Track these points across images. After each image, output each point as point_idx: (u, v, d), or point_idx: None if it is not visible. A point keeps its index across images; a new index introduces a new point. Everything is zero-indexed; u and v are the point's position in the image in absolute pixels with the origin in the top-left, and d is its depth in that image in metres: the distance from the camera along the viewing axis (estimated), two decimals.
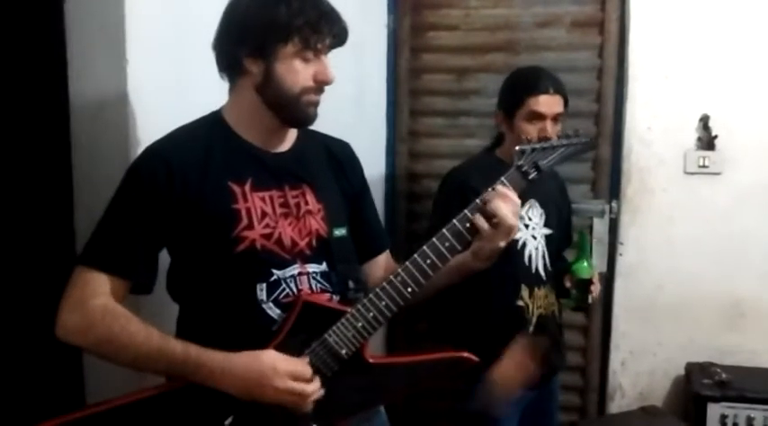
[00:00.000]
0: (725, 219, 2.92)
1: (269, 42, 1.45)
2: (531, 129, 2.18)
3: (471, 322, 2.28)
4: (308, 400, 1.43)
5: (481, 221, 1.50)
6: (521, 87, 2.24)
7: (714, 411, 2.69)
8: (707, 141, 2.90)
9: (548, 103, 2.20)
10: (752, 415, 2.67)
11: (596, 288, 2.31)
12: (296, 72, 1.46)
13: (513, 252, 2.24)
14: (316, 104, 1.52)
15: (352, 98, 2.92)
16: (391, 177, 3.17)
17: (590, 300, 2.28)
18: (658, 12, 2.90)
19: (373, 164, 3.07)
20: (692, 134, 2.92)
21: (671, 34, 2.90)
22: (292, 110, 1.49)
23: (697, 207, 2.94)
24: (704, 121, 2.90)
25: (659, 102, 2.93)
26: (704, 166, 2.92)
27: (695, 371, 2.87)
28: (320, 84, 1.49)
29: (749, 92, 2.87)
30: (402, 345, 3.16)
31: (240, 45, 1.47)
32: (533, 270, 2.30)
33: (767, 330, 2.95)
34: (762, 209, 2.89)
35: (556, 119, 2.22)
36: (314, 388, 1.43)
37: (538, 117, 2.20)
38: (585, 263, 2.25)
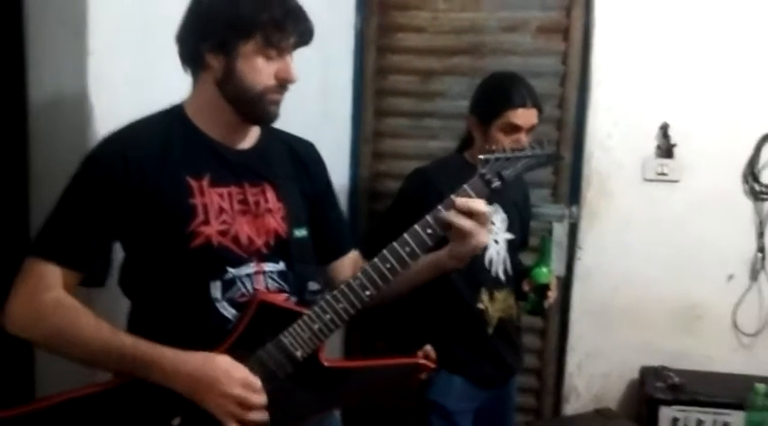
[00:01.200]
0: (681, 226, 2.97)
1: (231, 38, 1.43)
2: (506, 140, 2.19)
3: (431, 323, 2.29)
4: (251, 414, 1.40)
5: (456, 217, 1.48)
6: (500, 98, 2.23)
7: (666, 414, 2.73)
8: (666, 149, 2.95)
9: (525, 116, 2.21)
10: (702, 419, 2.71)
11: (553, 294, 2.33)
12: (258, 70, 1.45)
13: (475, 256, 2.25)
14: (277, 103, 1.50)
15: (316, 97, 2.90)
16: (354, 177, 3.17)
17: (546, 305, 2.30)
18: (623, 20, 2.94)
19: (337, 164, 3.06)
20: (651, 141, 2.97)
21: (634, 42, 2.94)
22: (253, 108, 1.48)
23: (654, 213, 2.99)
24: (664, 129, 2.94)
25: (621, 109, 2.97)
26: (662, 174, 2.97)
27: (649, 374, 2.91)
28: (282, 83, 1.48)
29: (709, 101, 2.92)
30: (360, 349, 3.16)
31: (202, 39, 1.45)
32: (494, 274, 2.32)
33: (720, 335, 3.01)
34: (717, 217, 2.95)
35: (530, 130, 2.24)
36: (260, 401, 1.41)
37: (514, 129, 2.21)
38: (545, 269, 2.27)
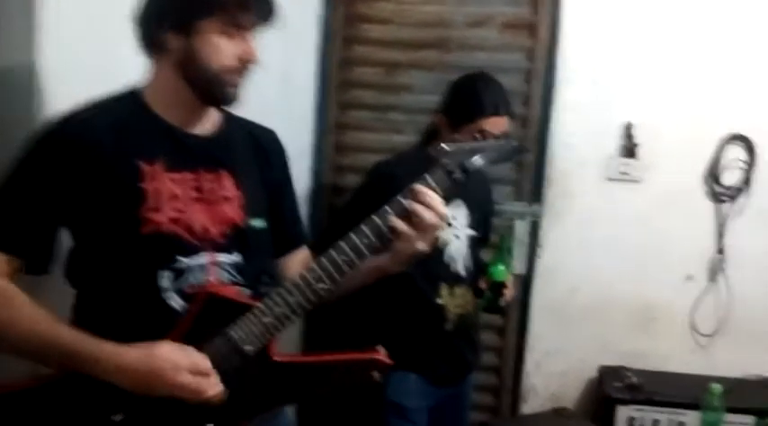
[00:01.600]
0: (642, 226, 2.98)
1: (192, 16, 1.38)
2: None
3: (389, 318, 2.27)
4: (206, 395, 1.36)
5: (400, 222, 1.44)
6: (474, 105, 2.21)
7: (623, 413, 2.74)
8: (629, 149, 2.96)
9: (497, 124, 2.20)
10: (658, 418, 2.73)
11: (510, 293, 2.32)
12: (219, 50, 1.40)
13: (436, 250, 2.23)
14: (238, 85, 1.45)
15: (279, 86, 2.85)
16: (317, 170, 3.12)
17: (502, 303, 2.29)
18: (590, 18, 2.93)
19: (298, 156, 3.01)
20: (615, 141, 2.97)
21: (601, 41, 2.94)
22: (213, 89, 1.43)
23: (616, 213, 2.99)
24: (628, 129, 2.95)
25: (585, 108, 2.96)
26: (625, 173, 2.98)
27: (607, 374, 2.93)
28: (244, 64, 1.43)
29: (673, 102, 2.93)
30: (320, 345, 3.11)
31: (161, 19, 1.40)
32: (453, 269, 2.30)
33: (677, 335, 3.03)
34: (677, 218, 2.96)
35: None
36: (213, 383, 1.36)
37: (484, 135, 2.19)
38: (502, 267, 2.26)
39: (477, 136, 2.18)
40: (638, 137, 2.94)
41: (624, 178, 2.98)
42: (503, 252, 2.28)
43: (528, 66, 2.99)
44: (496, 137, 1.62)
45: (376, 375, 1.46)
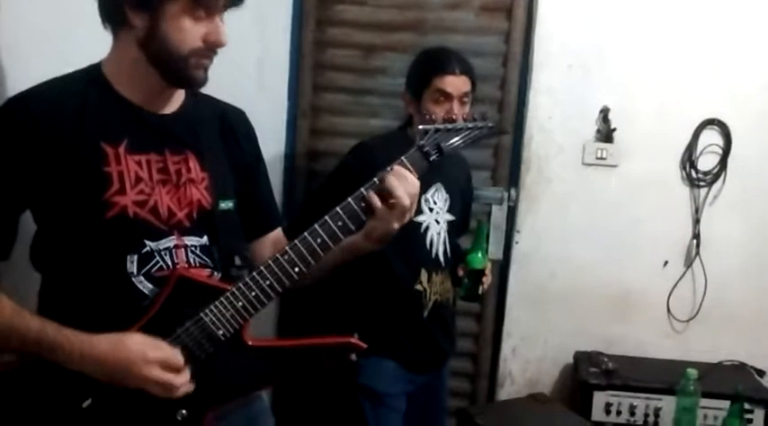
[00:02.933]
0: (618, 211, 2.97)
1: None
2: (438, 110, 2.15)
3: (367, 304, 2.24)
4: (177, 393, 1.33)
5: (376, 200, 1.43)
6: (427, 67, 2.22)
7: (600, 399, 2.74)
8: (605, 133, 2.94)
9: (454, 84, 2.18)
10: (634, 403, 2.73)
11: (488, 280, 2.30)
12: (184, 31, 1.33)
13: (416, 235, 2.20)
14: (205, 68, 1.40)
15: (252, 69, 2.80)
16: (291, 154, 3.07)
17: (481, 291, 2.27)
18: (567, 2, 2.90)
19: (272, 140, 2.97)
20: (591, 125, 2.95)
21: (578, 24, 2.91)
22: (178, 71, 1.37)
23: (592, 198, 2.98)
24: (604, 113, 2.93)
25: (562, 92, 2.94)
26: (602, 158, 2.96)
27: (583, 359, 2.92)
28: (211, 47, 1.37)
29: (649, 86, 2.91)
30: (295, 330, 3.07)
31: None
32: (433, 255, 2.28)
33: (653, 321, 3.03)
34: (653, 203, 2.96)
35: (462, 100, 2.20)
36: (184, 380, 1.34)
37: (445, 97, 2.18)
38: (480, 254, 2.24)
39: (438, 96, 2.17)
40: (615, 121, 2.92)
41: (601, 163, 2.96)
42: (480, 240, 2.26)
43: (504, 49, 2.96)
44: (473, 117, 1.60)
45: (353, 356, 1.42)
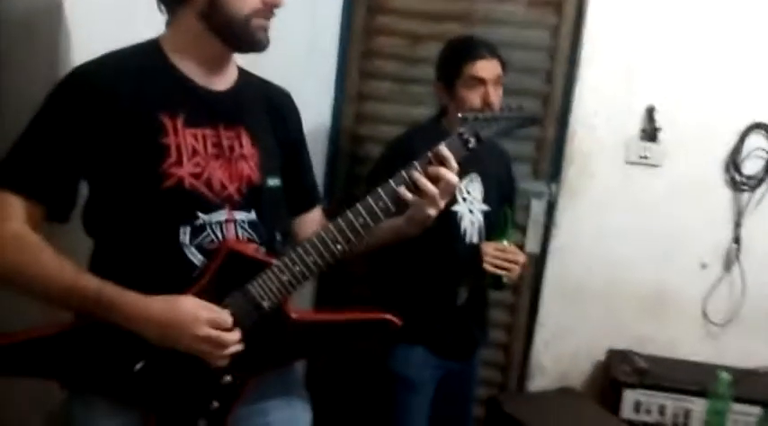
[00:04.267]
0: (659, 211, 2.96)
1: None
2: (474, 96, 2.18)
3: (401, 289, 2.27)
4: (227, 350, 1.38)
5: (423, 180, 1.47)
6: (457, 56, 2.23)
7: (630, 397, 2.74)
8: (650, 133, 2.92)
9: (486, 68, 2.19)
10: (665, 403, 2.72)
11: (515, 269, 2.19)
12: None
13: (450, 224, 2.22)
14: (265, 29, 1.45)
15: (301, 54, 2.84)
16: (335, 138, 3.11)
17: (505, 280, 2.21)
18: None
19: (318, 124, 3.01)
20: (636, 124, 2.94)
21: (628, 21, 2.89)
22: (241, 34, 1.42)
23: (633, 196, 2.97)
24: (650, 113, 2.92)
25: (608, 89, 2.93)
26: (645, 157, 2.94)
27: (615, 357, 2.92)
28: (269, 7, 1.43)
29: (697, 87, 2.89)
30: (331, 306, 3.12)
31: None
32: (468, 244, 2.29)
33: (688, 322, 3.02)
34: (694, 205, 2.94)
35: (497, 83, 2.21)
36: (234, 338, 1.38)
37: (478, 82, 2.19)
38: (505, 242, 2.22)
39: (472, 83, 2.18)
40: (660, 121, 2.91)
41: (643, 162, 2.95)
42: (504, 228, 2.24)
43: (552, 43, 2.96)
44: (509, 106, 1.63)
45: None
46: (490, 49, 2.22)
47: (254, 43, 1.44)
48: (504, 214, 2.27)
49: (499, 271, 2.16)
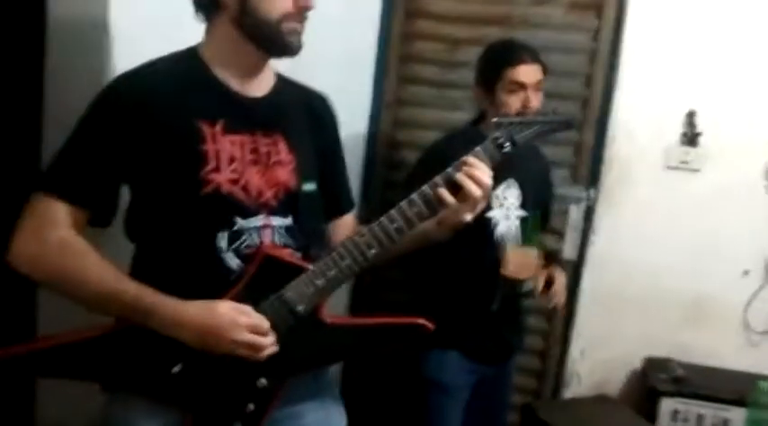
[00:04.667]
0: (699, 217, 2.92)
1: None
2: (514, 101, 2.16)
3: (437, 295, 2.27)
4: (264, 353, 1.40)
5: (467, 182, 1.48)
6: (497, 60, 2.22)
7: (667, 405, 2.71)
8: (691, 137, 2.89)
9: (526, 73, 2.18)
10: (702, 413, 2.69)
11: (536, 275, 2.20)
12: None
13: (485, 230, 2.22)
14: (298, 33, 1.46)
15: (339, 58, 2.85)
16: (372, 143, 3.12)
17: (525, 287, 2.20)
18: (657, 1, 2.86)
19: (355, 128, 3.02)
20: (677, 128, 2.90)
21: (668, 25, 2.86)
22: (273, 38, 1.44)
23: (673, 202, 2.93)
24: (690, 117, 2.88)
25: (648, 93, 2.90)
26: (685, 162, 2.91)
27: (653, 365, 2.89)
28: (300, 10, 1.44)
29: (738, 92, 2.85)
30: (365, 311, 3.13)
31: None
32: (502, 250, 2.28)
33: (728, 331, 2.97)
34: (735, 211, 2.89)
35: (537, 88, 2.20)
36: (270, 342, 1.41)
37: (519, 87, 2.18)
38: (529, 249, 2.19)
39: (513, 87, 2.16)
40: (701, 125, 2.87)
41: (684, 167, 2.91)
42: (531, 234, 2.21)
43: (592, 46, 2.94)
44: (544, 111, 1.64)
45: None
46: (531, 54, 2.21)
47: (287, 47, 1.46)
48: (529, 219, 2.26)
49: (518, 276, 2.15)
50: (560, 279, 2.35)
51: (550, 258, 2.44)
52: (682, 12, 2.85)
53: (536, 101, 2.18)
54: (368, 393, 3.00)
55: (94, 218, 1.44)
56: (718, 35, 2.84)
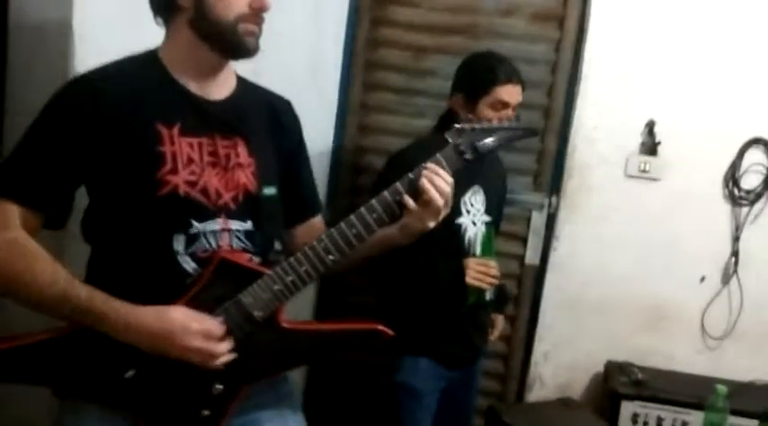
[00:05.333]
0: (657, 224, 2.98)
1: None
2: (494, 116, 2.19)
3: (406, 301, 2.29)
4: (217, 361, 1.40)
5: (408, 197, 1.49)
6: (488, 75, 2.24)
7: (628, 409, 2.76)
8: (650, 146, 2.95)
9: (512, 93, 2.24)
10: (662, 416, 2.74)
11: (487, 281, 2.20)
12: None
13: (455, 236, 2.24)
14: (254, 34, 1.46)
15: (305, 65, 2.87)
16: (337, 149, 3.14)
17: (487, 296, 2.26)
18: (618, 13, 2.92)
19: (321, 135, 3.04)
20: (636, 138, 2.96)
21: (628, 37, 2.92)
22: (229, 39, 1.44)
23: (633, 209, 2.99)
24: (650, 127, 2.94)
25: (609, 103, 2.96)
26: (645, 171, 2.97)
27: (614, 369, 2.94)
28: (256, 11, 1.44)
29: (697, 102, 2.92)
30: (331, 315, 3.14)
31: None
32: (471, 256, 2.31)
33: (686, 335, 3.03)
34: (693, 218, 2.96)
35: (515, 107, 2.26)
36: (224, 349, 1.40)
37: (503, 106, 2.22)
38: (487, 258, 2.24)
39: (498, 105, 2.21)
40: (660, 135, 2.93)
41: (643, 176, 2.97)
42: (489, 244, 2.26)
43: (554, 57, 2.99)
44: (509, 118, 1.66)
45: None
46: (518, 75, 2.26)
47: (243, 48, 1.46)
48: (484, 232, 2.29)
49: (481, 285, 2.19)
50: (500, 324, 2.58)
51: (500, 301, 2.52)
52: (642, 23, 2.91)
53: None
54: (333, 399, 3.01)
55: (48, 221, 1.42)
56: (677, 46, 2.91)
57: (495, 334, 2.63)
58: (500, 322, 2.64)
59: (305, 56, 2.84)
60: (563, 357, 3.11)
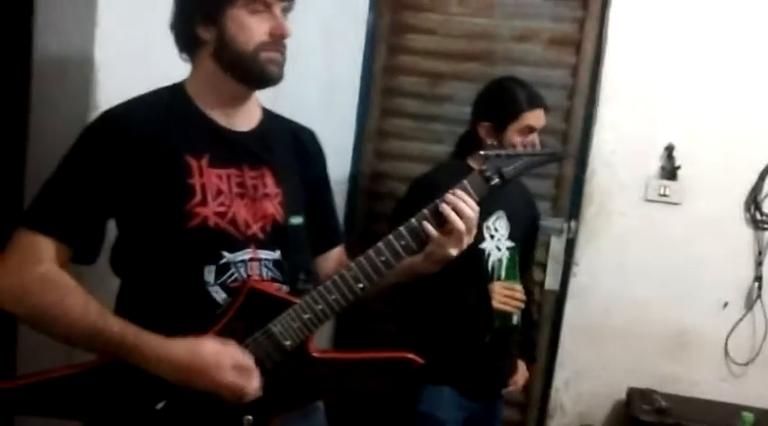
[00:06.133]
0: (678, 249, 2.95)
1: (217, 5, 1.41)
2: (521, 142, 2.21)
3: (429, 329, 2.27)
4: (248, 397, 1.38)
5: (452, 215, 1.48)
6: (515, 102, 2.24)
7: None
8: (670, 171, 2.93)
9: (539, 117, 2.26)
10: None
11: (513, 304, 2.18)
12: (247, 28, 1.42)
13: (479, 262, 2.23)
14: (277, 62, 1.46)
15: (322, 91, 2.88)
16: (355, 175, 3.15)
17: (515, 321, 2.20)
18: (635, 37, 2.93)
19: (338, 161, 3.04)
20: (655, 162, 2.95)
21: (646, 61, 2.92)
22: (251, 68, 1.44)
23: (653, 234, 2.97)
24: (669, 151, 2.93)
25: (627, 127, 2.95)
26: (664, 195, 2.95)
27: (636, 396, 2.89)
28: (276, 39, 1.44)
29: (716, 126, 2.90)
30: (351, 344, 3.12)
31: (192, 16, 1.44)
32: (495, 280, 2.28)
33: (710, 362, 2.99)
34: (716, 243, 2.93)
35: (539, 132, 2.27)
36: (256, 384, 1.39)
37: (530, 130, 2.24)
38: (513, 283, 2.20)
39: (525, 130, 2.22)
40: (680, 159, 2.92)
41: (663, 200, 2.95)
42: (509, 274, 2.22)
43: (571, 82, 2.99)
44: (533, 143, 1.66)
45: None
46: (542, 99, 2.28)
47: (266, 77, 1.46)
48: (508, 257, 2.27)
49: (508, 309, 2.16)
50: (522, 372, 2.49)
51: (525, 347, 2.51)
52: (659, 47, 2.91)
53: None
54: None
55: (78, 255, 1.42)
56: (695, 69, 2.90)
57: (519, 384, 2.50)
58: (522, 370, 2.51)
59: (322, 83, 2.85)
60: (584, 384, 3.08)
